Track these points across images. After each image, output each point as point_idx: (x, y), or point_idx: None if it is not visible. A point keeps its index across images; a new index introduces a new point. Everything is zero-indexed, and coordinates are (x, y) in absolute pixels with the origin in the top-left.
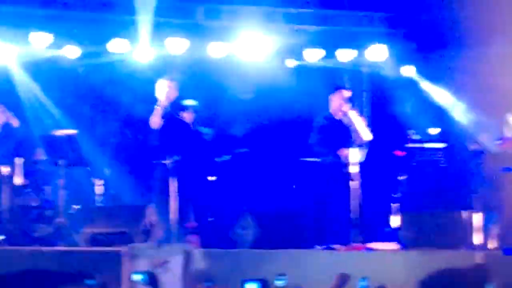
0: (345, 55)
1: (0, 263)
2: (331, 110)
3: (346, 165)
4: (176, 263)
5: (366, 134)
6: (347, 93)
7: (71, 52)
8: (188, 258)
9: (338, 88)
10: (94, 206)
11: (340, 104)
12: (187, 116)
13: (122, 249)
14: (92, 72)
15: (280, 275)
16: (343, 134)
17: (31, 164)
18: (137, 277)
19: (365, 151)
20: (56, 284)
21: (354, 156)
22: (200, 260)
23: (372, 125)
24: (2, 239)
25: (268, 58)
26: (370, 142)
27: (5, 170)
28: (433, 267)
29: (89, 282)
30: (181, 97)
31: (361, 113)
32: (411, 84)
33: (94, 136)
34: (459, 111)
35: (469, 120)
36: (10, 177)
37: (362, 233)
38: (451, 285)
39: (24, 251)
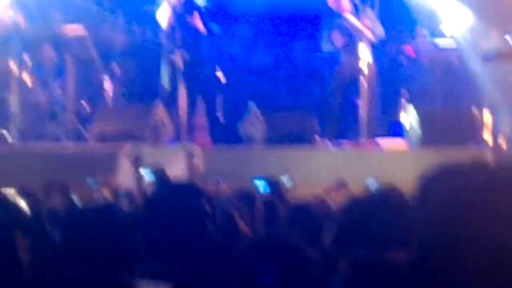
0: None
1: (10, 159)
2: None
3: (355, 60)
4: (179, 162)
5: (370, 34)
6: None
7: None
8: (190, 156)
9: None
10: (103, 103)
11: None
12: (196, 18)
13: (124, 147)
14: None
15: (284, 172)
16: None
17: (40, 60)
18: (145, 173)
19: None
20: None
21: (364, 53)
22: (201, 158)
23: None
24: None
25: None
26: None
27: (15, 67)
28: (439, 163)
29: (90, 180)
30: None
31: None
32: None
33: (102, 33)
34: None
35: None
36: (19, 74)
37: (370, 128)
38: (453, 181)
39: (32, 147)
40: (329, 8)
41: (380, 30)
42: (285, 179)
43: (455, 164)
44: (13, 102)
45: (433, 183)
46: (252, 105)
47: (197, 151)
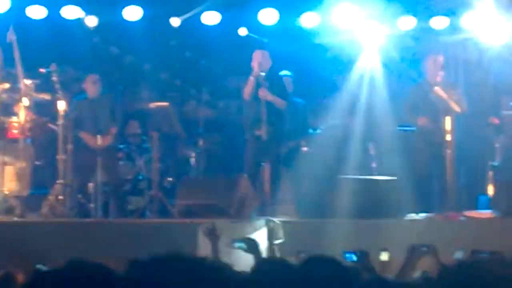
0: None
1: (93, 235)
2: (427, 76)
3: (441, 133)
4: (261, 237)
5: (456, 107)
6: (439, 59)
7: (174, 21)
8: (272, 231)
9: (430, 54)
10: (188, 178)
11: (434, 70)
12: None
13: (204, 224)
14: (185, 44)
15: (382, 250)
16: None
17: (125, 137)
18: (238, 244)
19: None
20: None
21: (448, 125)
22: (282, 232)
23: (467, 93)
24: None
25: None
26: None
27: (101, 142)
28: None
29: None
30: (275, 67)
31: (455, 80)
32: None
33: (187, 108)
34: None
35: None
36: (106, 149)
37: (458, 201)
38: None
39: (117, 223)
40: None
41: (464, 105)
42: (382, 257)
43: None
44: (99, 177)
45: None
46: (337, 180)
47: (278, 225)
